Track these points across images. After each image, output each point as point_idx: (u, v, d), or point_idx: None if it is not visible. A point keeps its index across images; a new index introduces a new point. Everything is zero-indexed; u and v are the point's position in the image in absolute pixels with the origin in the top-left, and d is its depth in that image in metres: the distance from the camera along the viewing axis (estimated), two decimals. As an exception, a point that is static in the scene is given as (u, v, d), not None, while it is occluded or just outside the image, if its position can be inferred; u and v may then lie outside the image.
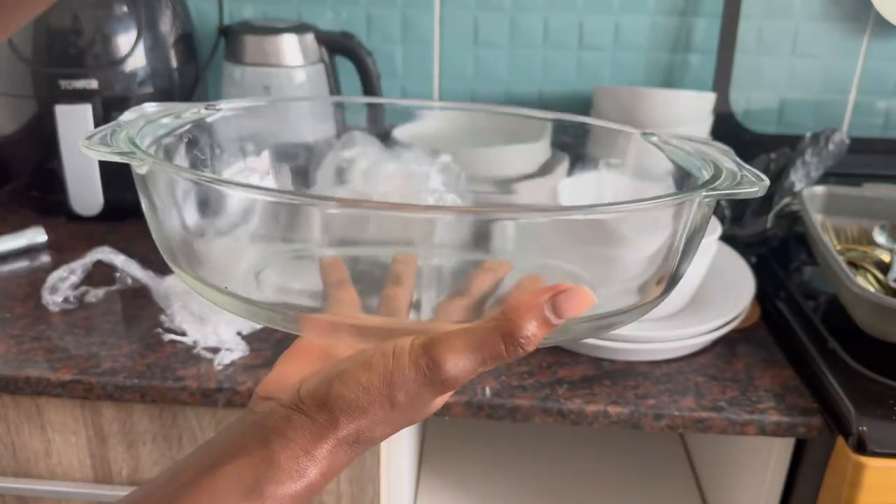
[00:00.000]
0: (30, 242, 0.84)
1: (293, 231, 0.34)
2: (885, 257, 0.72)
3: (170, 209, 0.34)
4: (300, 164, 0.47)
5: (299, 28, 0.94)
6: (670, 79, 1.06)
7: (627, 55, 1.05)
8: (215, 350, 0.66)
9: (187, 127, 0.39)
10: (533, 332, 0.28)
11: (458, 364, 0.28)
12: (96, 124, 0.84)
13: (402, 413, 0.29)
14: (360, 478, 0.69)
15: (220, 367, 0.64)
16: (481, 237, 0.35)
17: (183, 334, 0.68)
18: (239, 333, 0.69)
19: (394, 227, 0.33)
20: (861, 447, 0.56)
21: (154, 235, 0.35)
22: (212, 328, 0.68)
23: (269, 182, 0.45)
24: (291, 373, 0.33)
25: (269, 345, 0.68)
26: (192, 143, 0.40)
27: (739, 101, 1.05)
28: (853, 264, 0.72)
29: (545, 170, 0.91)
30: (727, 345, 0.70)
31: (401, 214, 0.29)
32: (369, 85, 0.96)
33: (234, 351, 0.66)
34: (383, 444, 0.68)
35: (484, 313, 0.34)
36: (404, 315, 0.36)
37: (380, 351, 0.29)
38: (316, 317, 0.34)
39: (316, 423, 0.29)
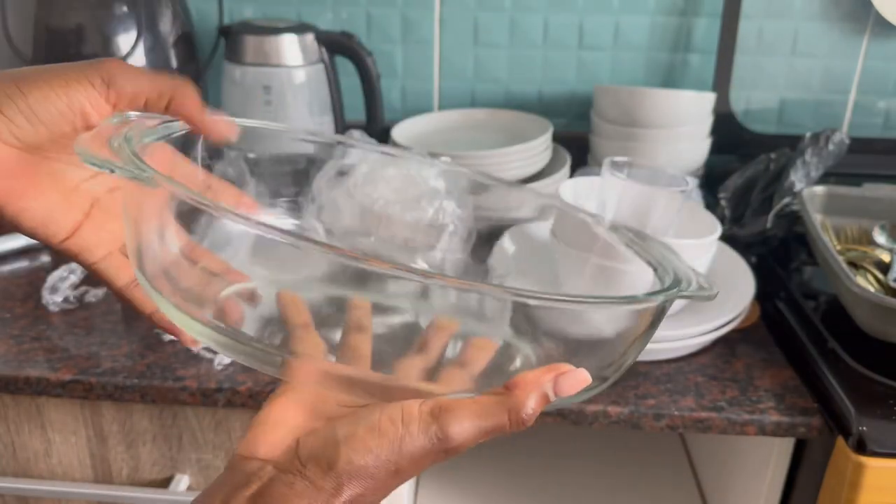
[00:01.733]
0: (30, 242, 0.84)
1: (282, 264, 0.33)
2: (885, 257, 0.72)
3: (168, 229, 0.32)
4: (300, 169, 0.46)
5: (299, 28, 0.94)
6: (670, 79, 1.06)
7: (627, 55, 1.05)
8: (215, 350, 0.66)
9: (183, 132, 0.37)
10: (534, 407, 0.30)
11: (463, 433, 0.29)
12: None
13: (402, 477, 0.30)
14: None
15: (219, 367, 0.64)
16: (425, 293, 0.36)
17: (183, 334, 0.68)
18: (239, 333, 0.69)
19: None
20: (861, 447, 0.56)
21: (143, 254, 0.33)
22: (212, 328, 0.68)
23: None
24: (282, 432, 0.32)
25: (269, 345, 0.68)
26: (187, 148, 0.38)
27: (739, 101, 1.05)
28: (853, 264, 0.72)
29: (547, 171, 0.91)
30: (727, 345, 0.70)
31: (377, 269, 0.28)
32: (369, 85, 0.96)
33: (235, 351, 0.66)
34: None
35: (441, 375, 0.34)
36: (367, 365, 0.35)
37: (387, 416, 0.29)
38: (306, 364, 0.33)
39: (321, 490, 0.29)
